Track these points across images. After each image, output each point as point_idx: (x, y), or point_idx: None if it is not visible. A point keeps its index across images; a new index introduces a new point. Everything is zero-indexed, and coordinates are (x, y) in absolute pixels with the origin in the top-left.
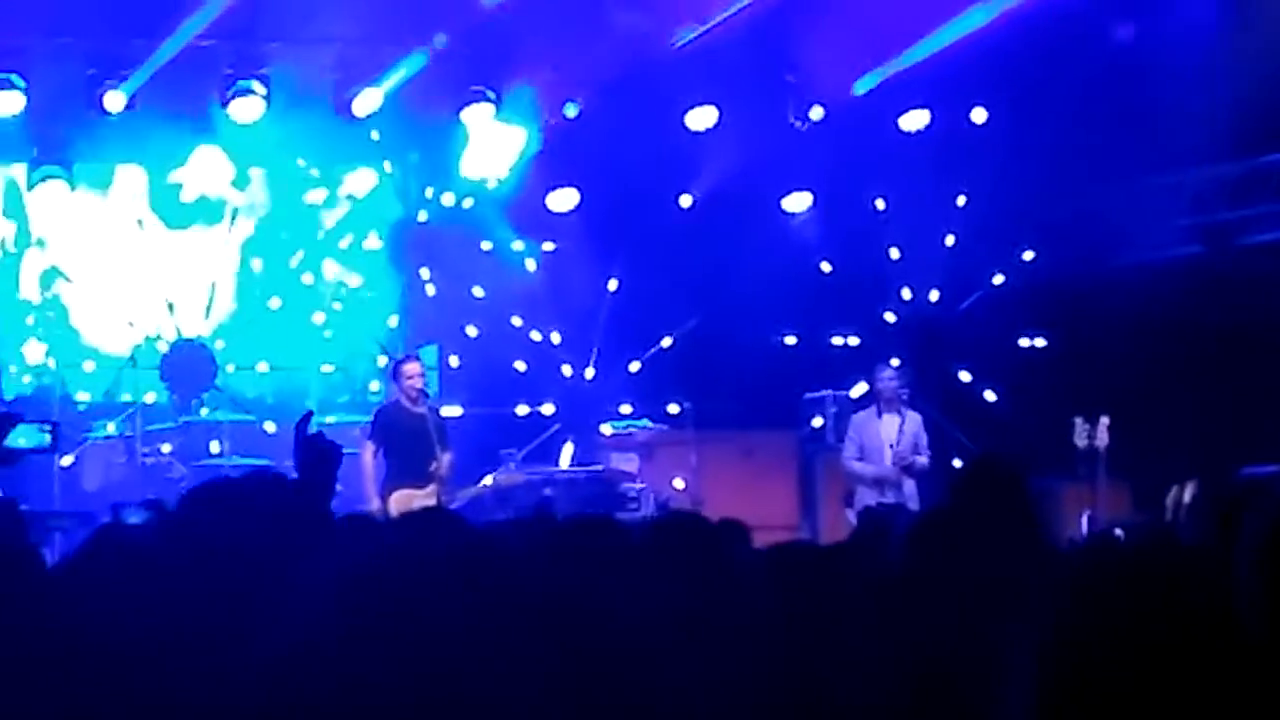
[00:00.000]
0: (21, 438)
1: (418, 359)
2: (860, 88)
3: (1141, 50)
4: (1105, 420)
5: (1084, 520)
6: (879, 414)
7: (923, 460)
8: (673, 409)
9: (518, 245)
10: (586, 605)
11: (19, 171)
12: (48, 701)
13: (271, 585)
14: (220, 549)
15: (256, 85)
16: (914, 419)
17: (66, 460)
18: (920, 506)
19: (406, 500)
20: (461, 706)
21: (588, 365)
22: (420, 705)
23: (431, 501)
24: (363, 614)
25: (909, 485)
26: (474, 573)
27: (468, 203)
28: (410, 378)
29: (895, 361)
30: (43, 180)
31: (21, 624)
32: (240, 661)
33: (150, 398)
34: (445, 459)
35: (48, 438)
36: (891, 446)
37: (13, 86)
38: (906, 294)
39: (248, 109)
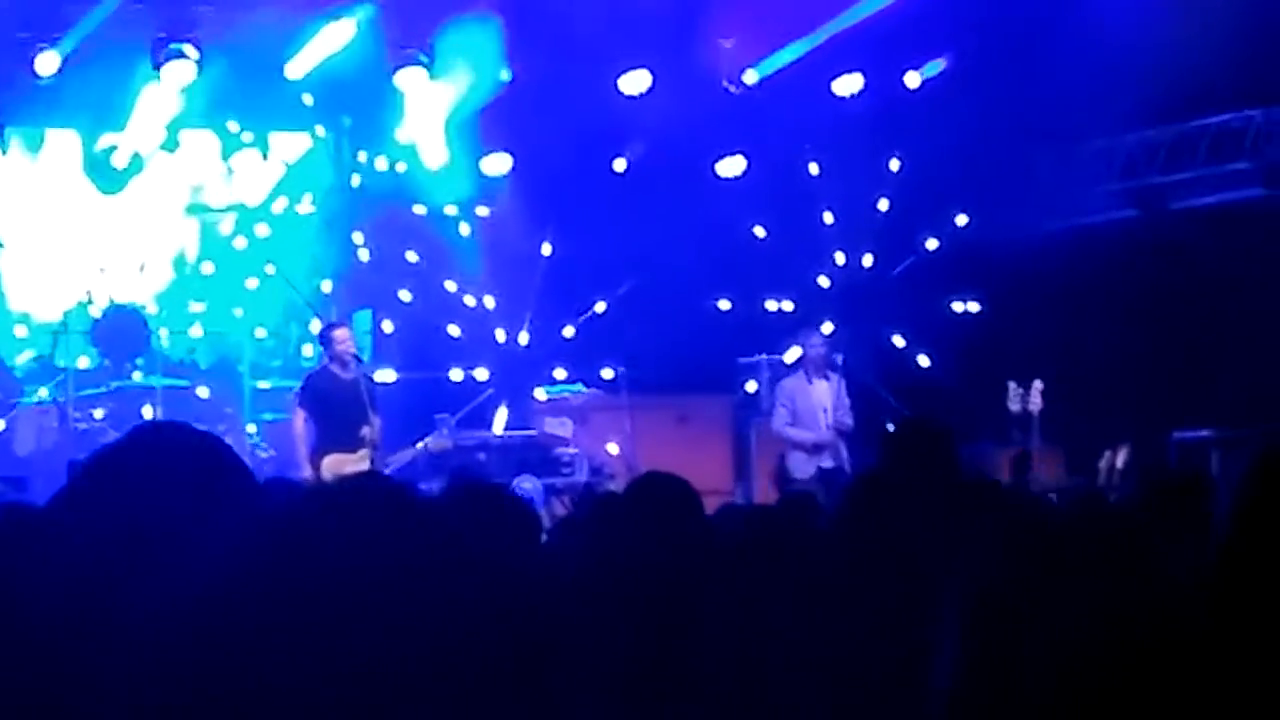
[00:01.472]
0: None
1: (348, 325)
2: (792, 52)
3: (1074, 14)
4: (1038, 384)
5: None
6: (809, 379)
7: (848, 420)
8: (607, 374)
9: (451, 210)
10: (520, 565)
11: None
12: None
13: (189, 550)
14: (127, 516)
15: (189, 48)
16: (838, 383)
17: None
18: (853, 470)
19: (338, 465)
20: (388, 673)
21: (521, 330)
22: (348, 672)
23: (364, 466)
24: (285, 577)
25: (843, 449)
26: (405, 532)
27: (401, 167)
28: (341, 343)
29: (828, 327)
30: None
31: None
32: (151, 630)
33: (83, 363)
34: (376, 424)
35: None
36: (824, 411)
37: None
38: (840, 258)
39: (180, 72)
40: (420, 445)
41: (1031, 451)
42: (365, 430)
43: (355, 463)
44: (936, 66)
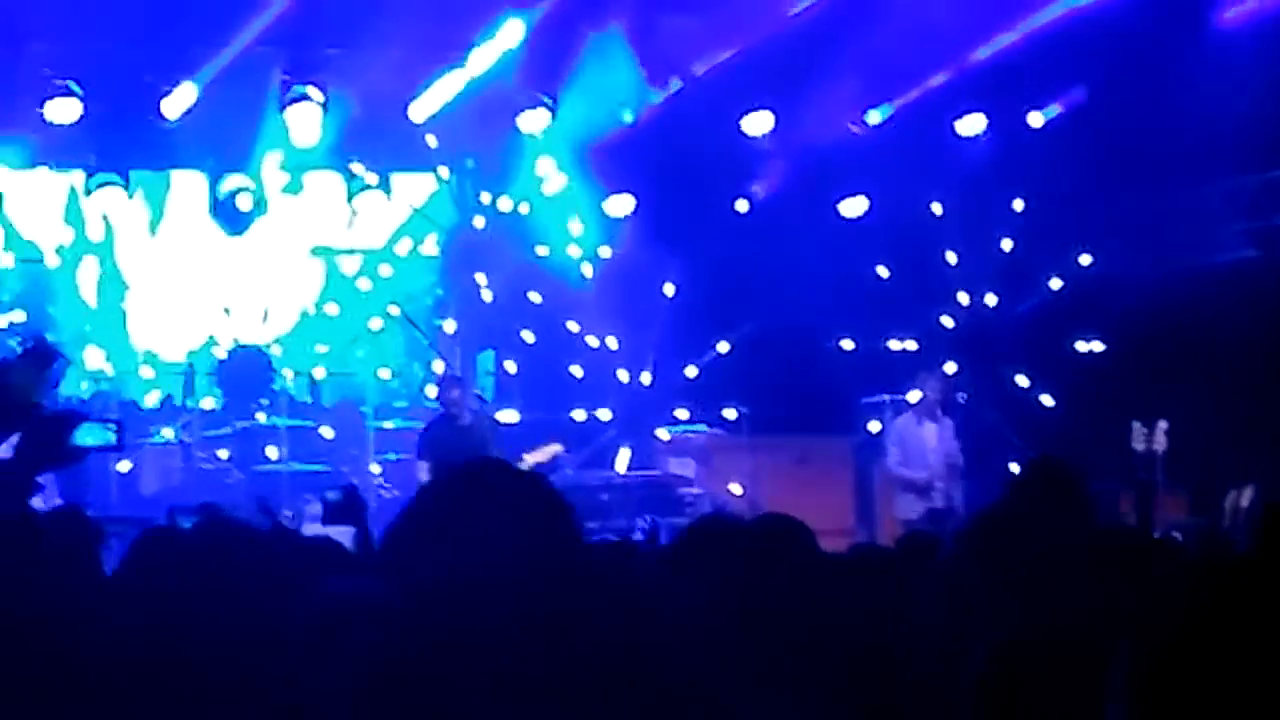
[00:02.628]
0: (87, 435)
1: (459, 381)
2: (915, 92)
3: (1198, 53)
4: (1163, 425)
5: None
6: (919, 420)
7: (959, 462)
8: (729, 414)
9: (574, 251)
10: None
11: (77, 179)
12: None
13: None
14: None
15: (313, 91)
16: (947, 424)
17: (124, 465)
18: (967, 511)
19: None
20: None
21: (644, 370)
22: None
23: None
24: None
25: (956, 490)
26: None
27: (524, 208)
28: (452, 404)
29: (950, 367)
30: (100, 187)
31: (81, 627)
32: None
33: (208, 403)
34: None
35: (113, 436)
36: (931, 451)
37: (71, 94)
38: (963, 298)
39: (305, 115)
40: (529, 458)
41: (1155, 489)
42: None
43: None
44: (1053, 111)
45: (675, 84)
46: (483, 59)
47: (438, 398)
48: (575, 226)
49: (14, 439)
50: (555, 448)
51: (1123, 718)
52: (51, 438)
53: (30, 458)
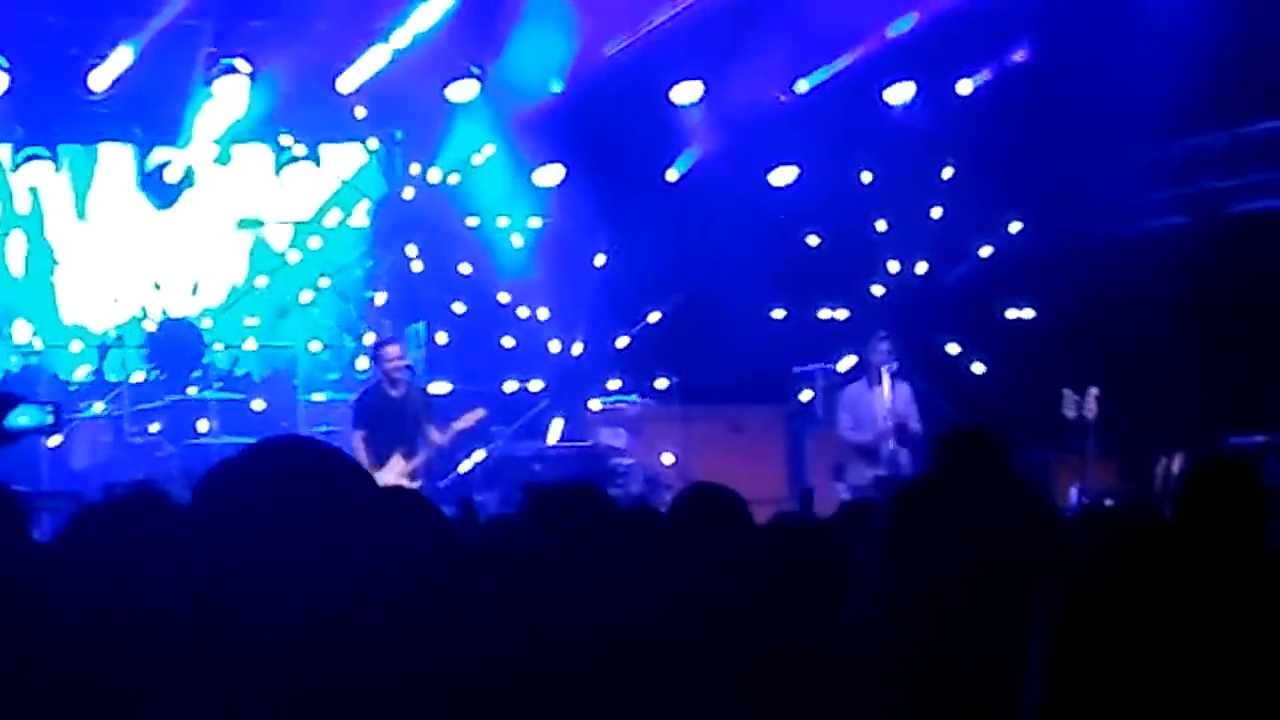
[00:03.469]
0: (23, 416)
1: (398, 341)
2: (843, 61)
3: (1126, 19)
4: (1094, 391)
5: (1074, 491)
6: (870, 385)
7: (916, 426)
8: (661, 384)
9: (504, 221)
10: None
11: (3, 152)
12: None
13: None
14: (231, 530)
15: (241, 63)
16: (904, 389)
17: (54, 440)
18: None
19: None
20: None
21: (575, 340)
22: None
23: (396, 477)
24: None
25: (903, 455)
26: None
27: (453, 179)
28: (391, 360)
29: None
30: (27, 161)
31: (13, 603)
32: (231, 647)
33: (137, 377)
34: (438, 436)
35: (50, 418)
36: (885, 419)
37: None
38: (894, 266)
39: (232, 87)
40: (454, 426)
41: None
42: (432, 437)
43: (391, 474)
44: (982, 78)
45: (607, 51)
46: (411, 29)
47: (374, 360)
48: (505, 197)
49: None
50: (479, 412)
51: (1040, 680)
52: None
53: None
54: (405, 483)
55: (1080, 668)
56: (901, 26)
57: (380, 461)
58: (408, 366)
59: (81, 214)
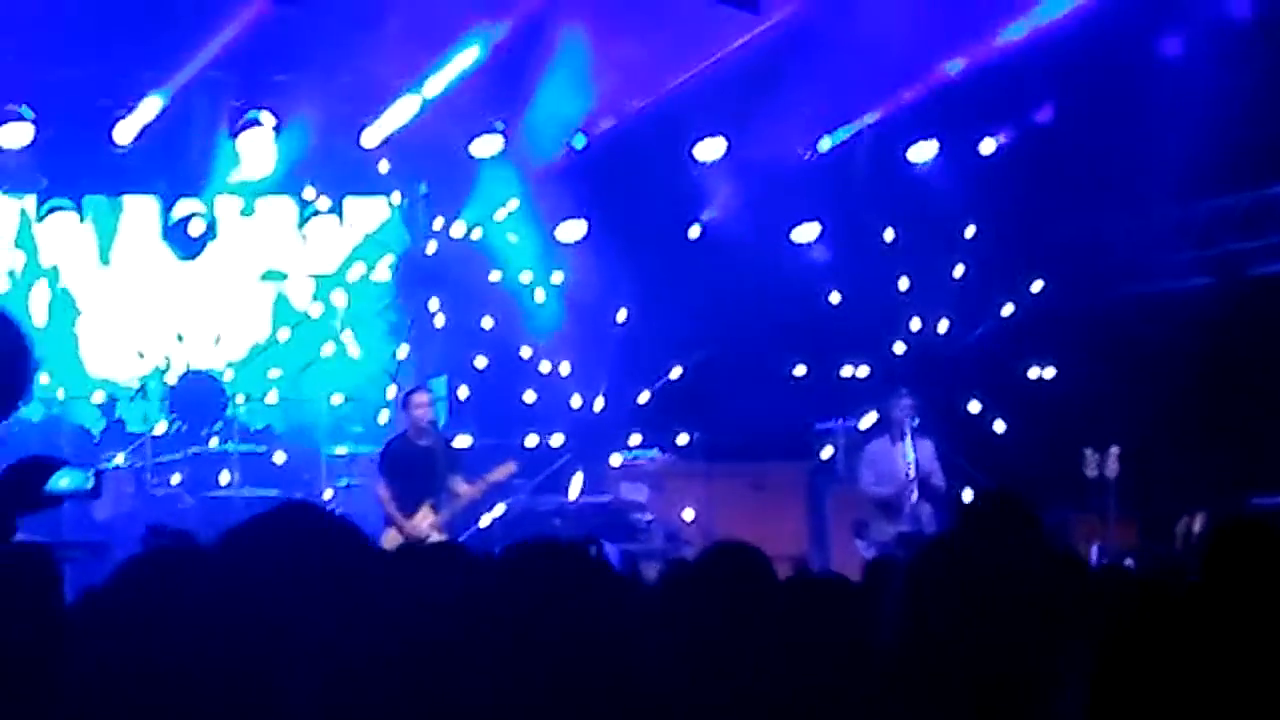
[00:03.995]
0: (65, 479)
1: (427, 390)
2: (867, 119)
3: (1148, 81)
4: (1115, 450)
5: (1094, 551)
6: (893, 441)
7: (939, 482)
8: (682, 439)
9: (526, 276)
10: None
11: (29, 203)
12: None
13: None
14: (257, 583)
15: (265, 116)
16: (926, 446)
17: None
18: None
19: (394, 540)
20: None
21: (597, 396)
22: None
23: (427, 533)
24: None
25: (926, 510)
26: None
27: (476, 234)
28: (419, 408)
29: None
30: (51, 211)
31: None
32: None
33: (160, 428)
34: (465, 489)
35: (90, 483)
36: (907, 476)
37: (22, 118)
38: (915, 324)
39: (257, 141)
40: (487, 479)
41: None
42: (459, 489)
43: (423, 525)
44: (1004, 138)
45: (630, 108)
46: (436, 85)
47: (402, 408)
48: (527, 252)
49: None
50: (510, 466)
51: None
52: (28, 483)
53: (8, 503)
54: (435, 535)
55: None
56: (925, 85)
57: (407, 512)
58: (431, 422)
59: (105, 264)
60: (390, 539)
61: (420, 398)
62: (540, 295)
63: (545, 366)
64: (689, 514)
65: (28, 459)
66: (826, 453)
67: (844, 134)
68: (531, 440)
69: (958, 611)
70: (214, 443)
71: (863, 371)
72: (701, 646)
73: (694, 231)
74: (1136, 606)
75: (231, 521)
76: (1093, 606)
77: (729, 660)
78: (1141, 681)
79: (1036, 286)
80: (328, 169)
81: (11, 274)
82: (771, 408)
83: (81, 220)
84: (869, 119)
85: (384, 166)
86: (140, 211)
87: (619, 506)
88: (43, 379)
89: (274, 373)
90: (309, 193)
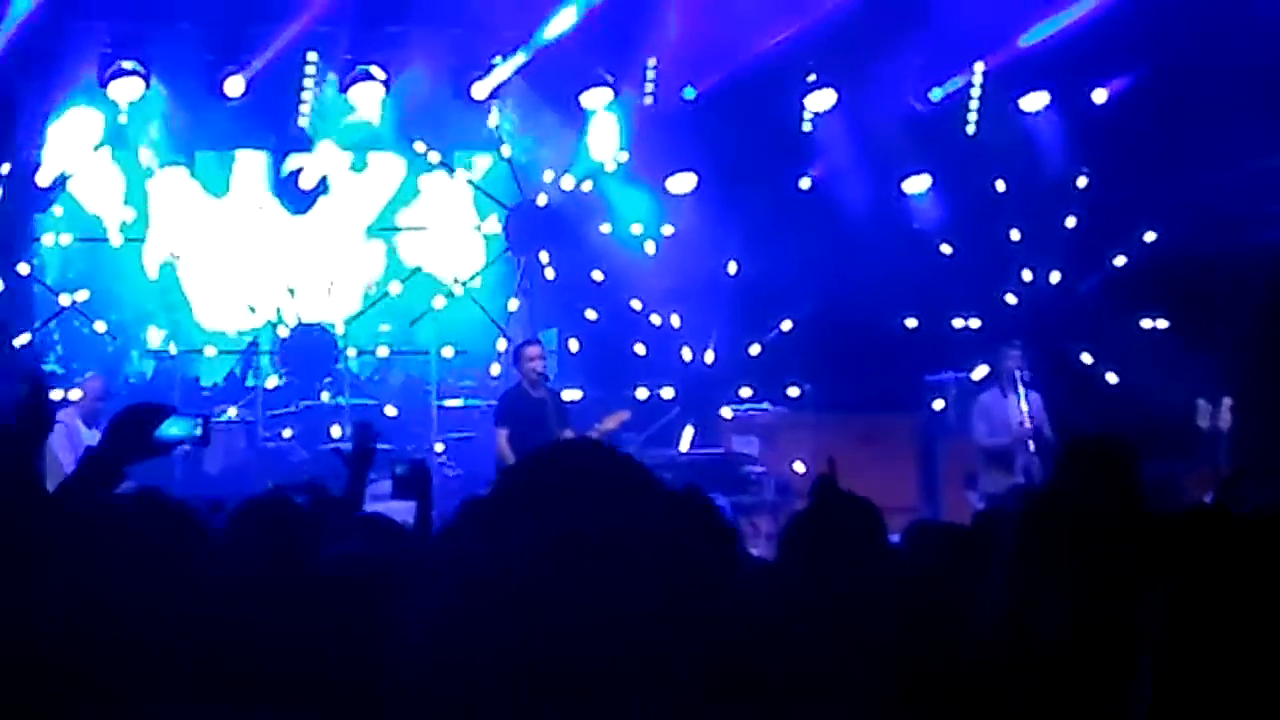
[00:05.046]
0: (174, 427)
1: (539, 343)
2: (979, 70)
3: (1267, 28)
4: (1228, 402)
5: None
6: (1004, 393)
7: (1050, 435)
8: (793, 392)
9: (636, 228)
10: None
11: (144, 156)
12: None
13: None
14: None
15: (375, 70)
16: (1036, 399)
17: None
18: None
19: None
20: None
21: (707, 348)
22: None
23: None
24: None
25: (1037, 463)
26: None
27: (586, 186)
28: (531, 360)
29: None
30: (164, 166)
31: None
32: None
33: (271, 382)
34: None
35: (199, 430)
36: (1020, 427)
37: (133, 73)
38: (1027, 275)
39: (368, 94)
40: (599, 428)
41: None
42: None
43: None
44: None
45: (741, 59)
46: (545, 36)
47: (515, 361)
48: (637, 204)
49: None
50: (623, 415)
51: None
52: (138, 430)
53: (117, 449)
54: None
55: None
56: (1038, 35)
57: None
58: (542, 374)
59: (217, 220)
60: None
61: (532, 350)
62: (650, 248)
63: (656, 319)
64: (800, 466)
65: (136, 405)
66: (938, 405)
67: (955, 84)
68: (642, 393)
69: (1056, 563)
70: (325, 396)
71: (974, 323)
72: (815, 598)
73: (804, 183)
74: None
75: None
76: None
77: (844, 614)
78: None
79: (1149, 237)
80: (438, 123)
81: (124, 229)
82: (882, 360)
83: (193, 175)
84: (981, 69)
85: (494, 119)
86: (251, 166)
87: (730, 459)
88: (155, 334)
89: (385, 326)
90: (419, 147)
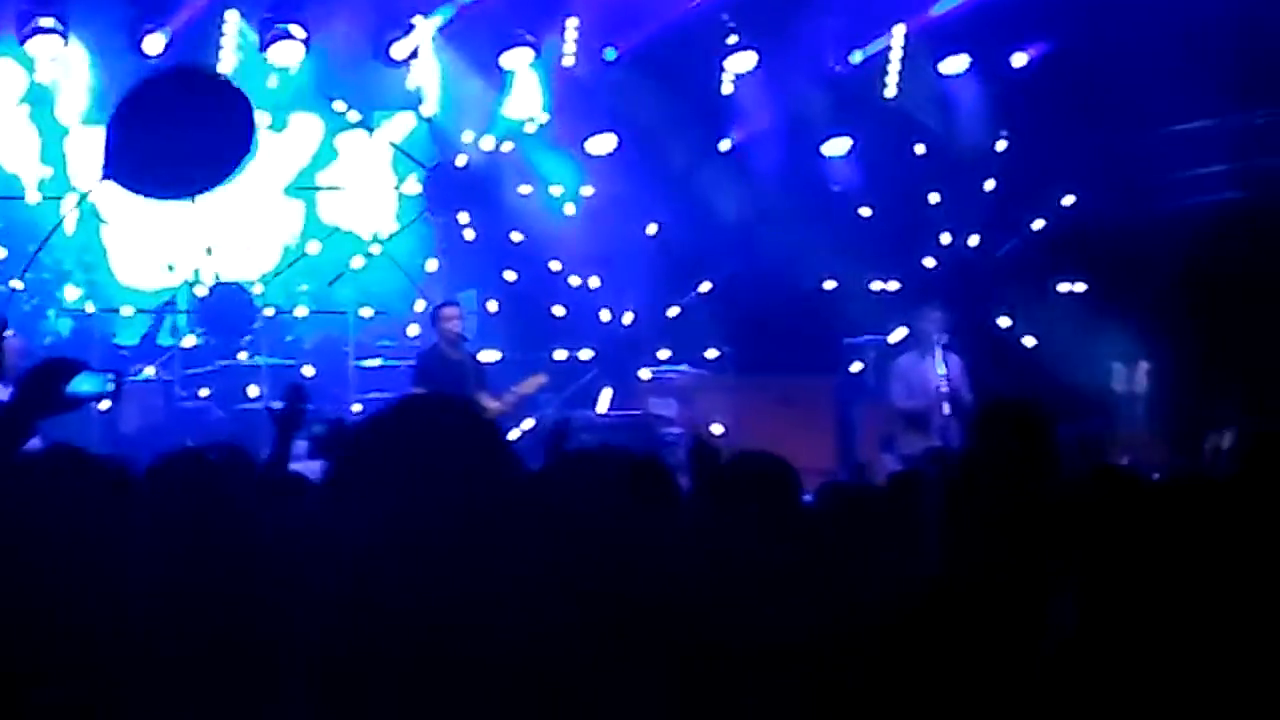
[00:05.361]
0: (85, 383)
1: (456, 303)
2: (898, 32)
3: None
4: (1144, 366)
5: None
6: (922, 356)
7: (968, 397)
8: (711, 354)
9: (556, 190)
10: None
11: (60, 115)
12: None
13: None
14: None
15: (295, 29)
16: (955, 361)
17: (104, 404)
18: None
19: None
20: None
21: (626, 310)
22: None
23: None
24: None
25: (954, 425)
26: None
27: (506, 147)
28: (449, 321)
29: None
30: (83, 125)
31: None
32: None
33: (188, 342)
34: (493, 405)
35: (111, 385)
36: (937, 390)
37: (52, 30)
38: (946, 239)
39: (287, 53)
40: (516, 390)
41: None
42: (488, 403)
43: None
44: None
45: (661, 20)
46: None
47: (432, 322)
48: (557, 165)
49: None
50: (540, 378)
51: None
52: (49, 385)
53: (28, 404)
54: None
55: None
56: (955, 0)
57: None
58: (460, 335)
59: None
60: None
61: (450, 311)
62: (570, 209)
63: (575, 281)
64: (718, 428)
65: (47, 360)
66: (856, 367)
67: (875, 47)
68: (560, 354)
69: (974, 527)
70: (243, 356)
71: (893, 286)
72: (730, 555)
73: (724, 145)
74: (1154, 500)
75: (260, 435)
76: (1102, 511)
77: (758, 568)
78: (1152, 564)
79: (1067, 200)
80: (357, 82)
81: (42, 186)
82: (801, 322)
83: None
84: (900, 32)
85: (413, 79)
86: None
87: (648, 421)
88: (72, 292)
89: (303, 286)
90: (339, 106)
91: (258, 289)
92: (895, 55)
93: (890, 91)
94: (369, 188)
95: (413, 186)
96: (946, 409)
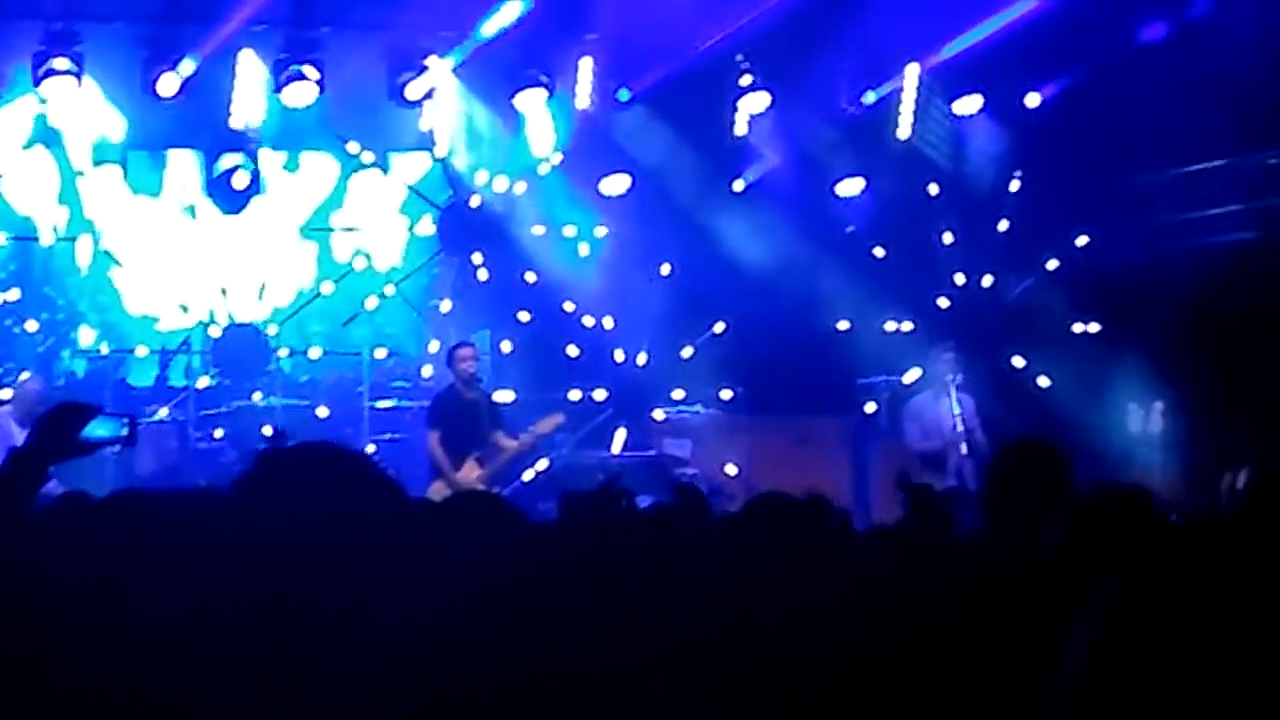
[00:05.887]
0: (100, 427)
1: (472, 344)
2: (911, 75)
3: (1197, 34)
4: (1159, 405)
5: None
6: (937, 396)
7: (982, 438)
8: (726, 394)
9: (570, 230)
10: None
11: (74, 157)
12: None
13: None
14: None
15: (309, 70)
16: (969, 402)
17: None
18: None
19: (441, 491)
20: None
21: (640, 350)
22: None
23: (474, 485)
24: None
25: (969, 466)
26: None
27: (520, 187)
28: (464, 361)
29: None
30: (96, 165)
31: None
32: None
33: (203, 382)
34: (509, 445)
35: (125, 430)
36: (952, 430)
37: (66, 73)
38: (960, 279)
39: (301, 94)
40: (533, 431)
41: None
42: (503, 443)
43: (469, 477)
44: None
45: (675, 63)
46: (480, 38)
47: (448, 362)
48: (571, 206)
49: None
50: (558, 418)
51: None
52: (64, 429)
53: (43, 449)
54: (481, 488)
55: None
56: (971, 39)
57: (456, 462)
58: (475, 376)
59: (150, 219)
60: (437, 490)
61: (465, 352)
62: (584, 249)
63: (589, 321)
64: (732, 469)
65: (62, 405)
66: (870, 408)
67: (888, 87)
68: (575, 395)
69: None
70: (257, 397)
71: (907, 326)
72: (748, 594)
73: (738, 186)
74: (1170, 539)
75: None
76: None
77: (777, 609)
78: (1165, 602)
79: (1081, 241)
80: (371, 123)
81: (55, 229)
82: (815, 362)
83: (125, 175)
84: (913, 72)
85: (427, 120)
86: (183, 165)
87: (662, 461)
88: (86, 334)
89: (317, 327)
90: (353, 147)
91: (272, 330)
92: (908, 96)
93: (903, 132)
94: (383, 228)
95: (427, 227)
96: (962, 449)
